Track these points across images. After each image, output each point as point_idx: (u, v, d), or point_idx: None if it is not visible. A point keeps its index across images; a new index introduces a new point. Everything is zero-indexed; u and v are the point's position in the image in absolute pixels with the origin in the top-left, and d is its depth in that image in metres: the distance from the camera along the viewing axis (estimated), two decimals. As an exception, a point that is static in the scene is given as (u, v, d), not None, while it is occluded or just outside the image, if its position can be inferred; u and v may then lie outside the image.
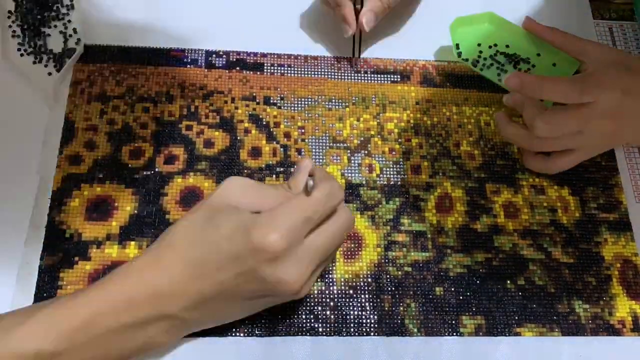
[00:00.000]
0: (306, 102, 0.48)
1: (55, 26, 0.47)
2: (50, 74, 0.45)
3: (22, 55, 0.46)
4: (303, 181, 0.37)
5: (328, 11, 0.49)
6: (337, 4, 0.47)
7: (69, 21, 0.47)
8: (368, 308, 0.41)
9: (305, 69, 0.50)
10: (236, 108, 0.47)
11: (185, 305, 0.34)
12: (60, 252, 0.41)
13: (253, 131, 0.47)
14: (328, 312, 0.41)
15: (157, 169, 0.44)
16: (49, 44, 0.46)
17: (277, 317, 0.40)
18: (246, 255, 0.33)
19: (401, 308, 0.42)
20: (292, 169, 0.45)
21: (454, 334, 0.41)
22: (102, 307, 0.33)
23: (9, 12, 0.47)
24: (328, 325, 0.40)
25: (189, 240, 0.35)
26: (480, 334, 0.41)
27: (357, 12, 0.47)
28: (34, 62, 0.45)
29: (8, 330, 0.32)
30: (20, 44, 0.46)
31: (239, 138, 0.46)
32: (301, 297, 0.36)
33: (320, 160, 0.46)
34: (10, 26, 0.47)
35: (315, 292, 0.41)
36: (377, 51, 0.51)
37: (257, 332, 0.40)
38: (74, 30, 0.47)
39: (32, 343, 0.32)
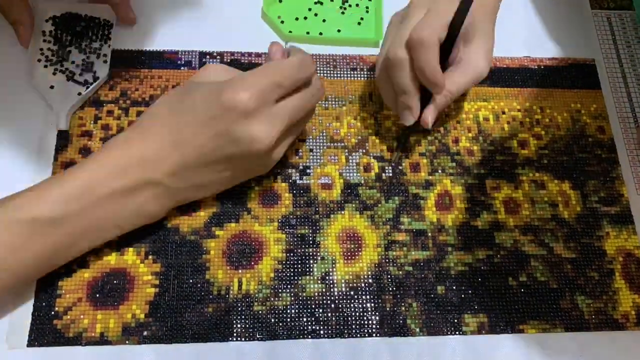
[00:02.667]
0: (302, 102, 0.48)
1: (86, 53, 0.46)
2: (79, 93, 0.45)
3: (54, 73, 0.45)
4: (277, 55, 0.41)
5: (387, 98, 0.45)
6: (403, 92, 0.41)
7: (100, 53, 0.46)
8: (369, 309, 0.41)
9: (301, 68, 0.49)
10: (232, 109, 0.47)
11: (169, 170, 0.37)
12: (58, 260, 0.40)
13: (249, 133, 0.46)
14: (329, 314, 0.41)
15: (153, 174, 0.44)
16: (73, 68, 0.45)
17: (278, 321, 0.40)
18: (219, 115, 0.36)
19: (403, 308, 0.41)
20: (289, 170, 0.45)
21: (457, 332, 0.41)
22: (94, 175, 0.36)
23: (43, 32, 0.46)
24: (329, 328, 0.40)
25: (169, 111, 0.38)
26: (483, 332, 0.41)
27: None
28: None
29: (5, 201, 0.35)
30: (48, 62, 0.45)
31: (235, 140, 0.46)
32: (274, 162, 0.40)
33: (318, 160, 0.46)
34: (41, 49, 0.46)
35: (316, 294, 0.41)
36: (375, 49, 0.51)
37: (258, 335, 0.39)
38: (104, 59, 0.46)
39: (28, 210, 0.35)
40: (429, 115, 0.42)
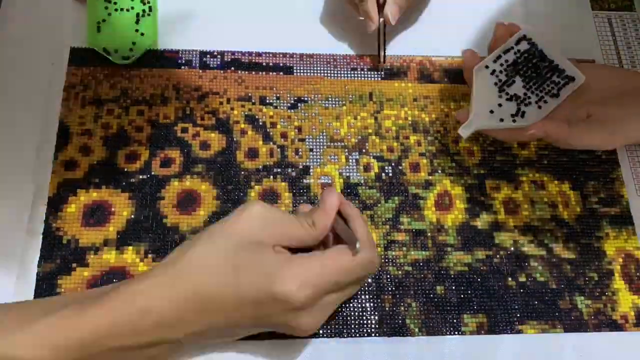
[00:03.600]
0: (303, 101, 0.48)
1: None
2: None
3: None
4: (328, 220, 0.37)
5: (350, 10, 0.48)
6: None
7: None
8: (368, 309, 0.41)
9: (301, 68, 0.49)
10: (232, 109, 0.47)
11: (190, 333, 0.34)
12: (57, 258, 0.40)
13: (249, 132, 0.46)
14: (328, 314, 0.41)
15: (153, 173, 0.44)
16: None
17: (277, 320, 0.40)
18: (267, 302, 0.33)
19: (402, 308, 0.41)
20: (289, 170, 0.45)
21: (456, 332, 0.41)
22: (105, 329, 0.32)
23: None
24: (328, 327, 0.40)
25: (205, 273, 0.33)
26: (482, 332, 0.41)
27: (380, 7, 0.46)
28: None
29: (5, 334, 0.31)
30: None
31: (235, 139, 0.46)
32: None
33: (318, 160, 0.46)
34: None
35: (315, 293, 0.41)
36: (373, 47, 0.51)
37: (257, 335, 0.39)
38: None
39: (27, 352, 0.31)
40: (389, 12, 0.45)
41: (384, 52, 0.49)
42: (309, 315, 0.34)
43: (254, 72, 0.48)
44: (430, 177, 0.46)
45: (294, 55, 0.49)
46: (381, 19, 0.46)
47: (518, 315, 0.42)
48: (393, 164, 0.46)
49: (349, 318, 0.41)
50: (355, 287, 0.38)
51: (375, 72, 0.49)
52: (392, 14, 0.46)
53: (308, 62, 0.49)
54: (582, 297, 0.43)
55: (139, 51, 0.46)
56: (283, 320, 0.34)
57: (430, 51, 0.51)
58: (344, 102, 0.48)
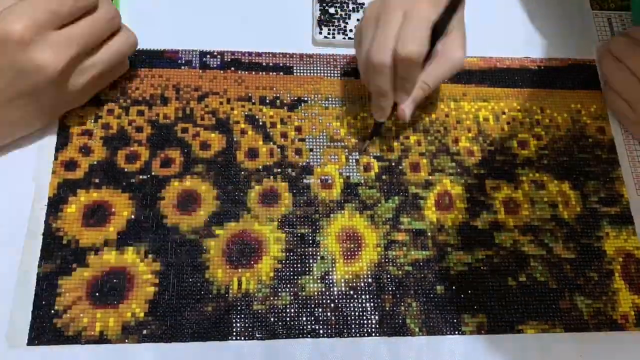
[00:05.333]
0: (303, 101, 0.48)
1: None
2: None
3: None
4: None
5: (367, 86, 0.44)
6: (380, 94, 0.42)
7: None
8: (369, 308, 0.41)
9: (301, 68, 0.49)
10: (232, 109, 0.47)
11: None
12: (57, 259, 0.40)
13: (249, 132, 0.46)
14: (329, 314, 0.41)
15: (153, 173, 0.44)
16: None
17: (278, 320, 0.40)
18: None
19: (402, 308, 0.41)
20: (289, 170, 0.45)
21: (456, 332, 0.41)
22: None
23: None
24: (329, 327, 0.40)
25: None
26: (483, 332, 0.41)
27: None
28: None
29: None
30: None
31: (235, 139, 0.46)
32: (76, 91, 0.39)
33: (318, 160, 0.46)
34: None
35: (316, 293, 0.41)
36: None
37: (257, 335, 0.39)
38: None
39: None
40: (407, 109, 0.42)
41: (369, 142, 0.46)
42: (42, 50, 0.36)
43: (254, 72, 0.48)
44: (430, 177, 0.46)
45: (294, 55, 0.49)
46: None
47: (518, 315, 0.42)
48: (393, 164, 0.46)
49: (349, 318, 0.41)
50: (90, 22, 0.38)
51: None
52: (409, 113, 0.43)
53: (308, 62, 0.49)
54: (582, 297, 0.43)
55: None
56: (20, 62, 0.36)
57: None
58: (344, 102, 0.48)
